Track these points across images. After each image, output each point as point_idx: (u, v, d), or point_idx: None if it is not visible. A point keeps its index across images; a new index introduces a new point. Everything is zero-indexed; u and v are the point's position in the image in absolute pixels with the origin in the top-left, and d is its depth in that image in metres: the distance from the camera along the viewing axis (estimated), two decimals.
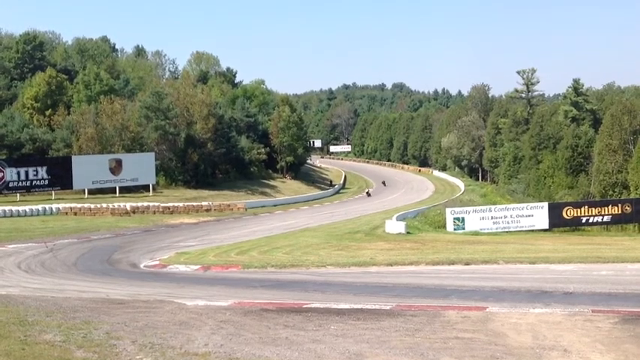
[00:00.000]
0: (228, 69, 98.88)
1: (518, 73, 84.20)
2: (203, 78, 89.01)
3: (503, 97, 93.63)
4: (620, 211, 40.94)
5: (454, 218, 40.31)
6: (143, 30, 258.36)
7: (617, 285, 16.80)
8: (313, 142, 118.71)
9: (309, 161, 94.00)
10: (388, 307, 13.40)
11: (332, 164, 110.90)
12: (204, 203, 50.67)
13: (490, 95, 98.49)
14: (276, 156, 75.43)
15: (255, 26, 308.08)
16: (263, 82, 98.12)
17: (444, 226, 40.54)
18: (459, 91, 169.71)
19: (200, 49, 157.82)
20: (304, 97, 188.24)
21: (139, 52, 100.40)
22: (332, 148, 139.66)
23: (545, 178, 62.55)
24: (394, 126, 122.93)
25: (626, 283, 17.34)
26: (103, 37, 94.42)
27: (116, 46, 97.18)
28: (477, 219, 40.17)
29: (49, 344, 9.56)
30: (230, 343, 9.88)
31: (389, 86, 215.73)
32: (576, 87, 75.75)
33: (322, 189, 75.04)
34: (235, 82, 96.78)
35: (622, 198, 47.15)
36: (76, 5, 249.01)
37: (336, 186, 79.24)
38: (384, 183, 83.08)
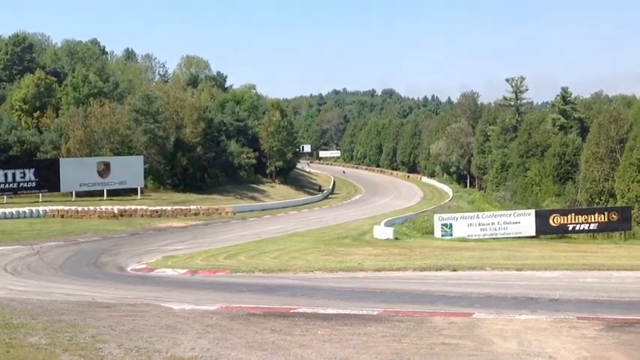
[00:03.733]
0: (218, 73, 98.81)
1: (507, 81, 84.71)
2: (193, 82, 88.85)
3: (492, 104, 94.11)
4: (606, 219, 41.20)
5: (442, 224, 40.41)
6: (133, 33, 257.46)
7: (602, 292, 16.92)
8: (303, 147, 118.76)
9: (298, 166, 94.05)
10: (375, 313, 13.43)
11: (322, 169, 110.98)
12: (192, 207, 50.53)
13: (479, 103, 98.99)
14: (266, 161, 75.38)
15: (245, 31, 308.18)
16: (254, 86, 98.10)
17: (432, 232, 40.62)
18: (449, 98, 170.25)
19: (191, 52, 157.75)
20: (294, 102, 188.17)
21: (129, 55, 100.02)
22: (321, 154, 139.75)
23: (532, 185, 62.89)
24: (383, 132, 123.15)
25: (611, 290, 17.47)
26: (92, 39, 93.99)
27: (106, 49, 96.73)
28: (465, 225, 40.31)
29: (35, 347, 9.51)
30: (217, 347, 9.87)
31: (379, 92, 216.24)
32: (564, 95, 76.30)
33: (311, 194, 75.04)
34: (225, 86, 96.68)
35: (608, 206, 47.47)
36: (65, 7, 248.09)
37: (325, 191, 79.28)
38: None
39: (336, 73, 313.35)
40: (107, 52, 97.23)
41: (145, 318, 12.41)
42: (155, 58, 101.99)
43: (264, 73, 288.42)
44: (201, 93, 78.19)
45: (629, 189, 48.31)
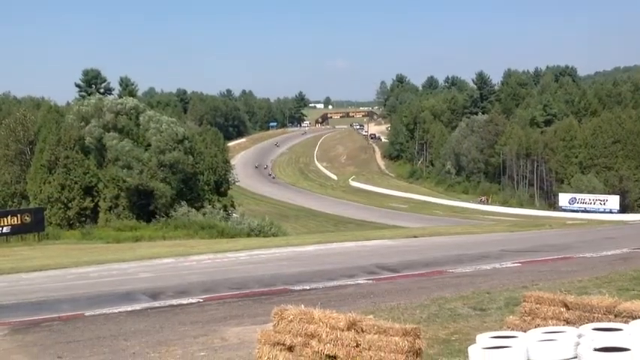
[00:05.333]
0: None
1: None
2: None
3: None
4: (19, 222, 40.83)
5: None
6: None
7: (9, 296, 16.68)
8: None
9: None
10: None
11: None
12: None
13: None
14: None
15: None
16: None
17: None
18: None
19: None
20: None
21: None
22: None
23: None
24: None
25: (19, 292, 17.37)
26: None
27: None
28: None
29: None
30: None
31: None
32: None
33: None
34: None
35: (22, 208, 47.20)
36: None
37: None
38: None
39: None
40: None
41: None
42: None
43: None
44: None
45: (41, 190, 49.06)
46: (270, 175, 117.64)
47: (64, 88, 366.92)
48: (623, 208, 78.20)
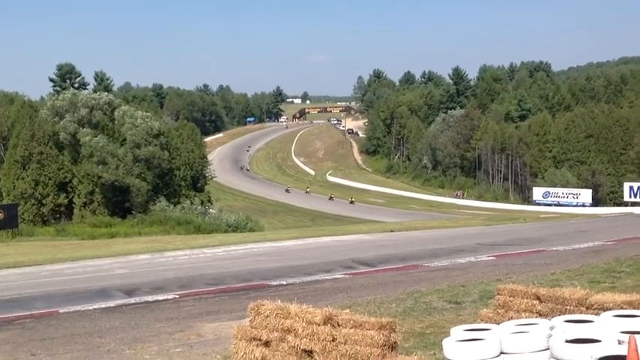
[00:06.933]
0: None
1: None
2: None
3: None
4: None
5: None
6: None
7: None
8: None
9: None
10: None
11: None
12: None
13: None
14: None
15: None
16: None
17: None
18: None
19: None
20: None
21: None
22: None
23: None
24: None
25: None
26: None
27: None
28: None
29: None
30: None
31: None
32: None
33: None
34: None
35: None
36: None
37: None
38: None
39: None
40: None
41: None
42: None
43: None
44: None
45: (14, 186, 48.39)
46: (243, 167, 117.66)
47: (38, 83, 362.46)
48: (596, 202, 79.35)
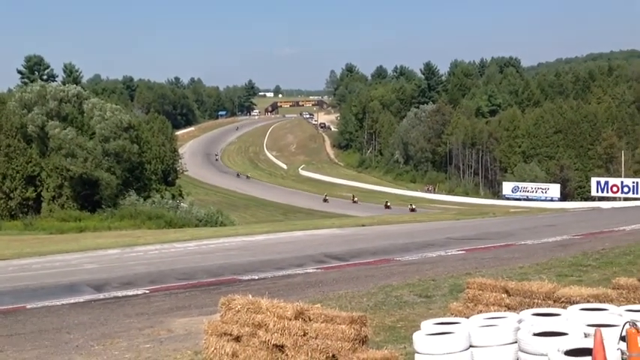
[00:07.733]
0: None
1: None
2: None
3: None
4: None
5: None
6: None
7: None
8: None
9: None
10: None
11: None
12: None
13: None
14: None
15: None
16: None
17: None
18: None
19: None
20: None
21: None
22: None
23: None
24: None
25: None
26: None
27: None
28: None
29: None
30: None
31: None
32: None
33: None
34: None
35: None
36: None
37: None
38: None
39: None
40: None
41: None
42: None
43: None
44: None
45: None
46: (215, 157, 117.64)
47: (6, 75, 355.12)
48: (564, 196, 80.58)
